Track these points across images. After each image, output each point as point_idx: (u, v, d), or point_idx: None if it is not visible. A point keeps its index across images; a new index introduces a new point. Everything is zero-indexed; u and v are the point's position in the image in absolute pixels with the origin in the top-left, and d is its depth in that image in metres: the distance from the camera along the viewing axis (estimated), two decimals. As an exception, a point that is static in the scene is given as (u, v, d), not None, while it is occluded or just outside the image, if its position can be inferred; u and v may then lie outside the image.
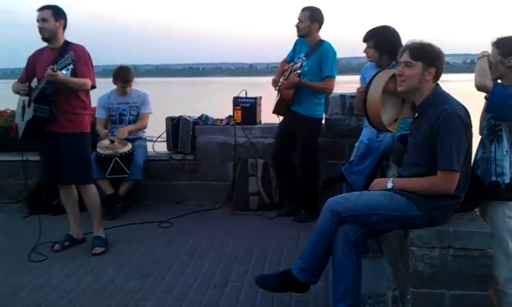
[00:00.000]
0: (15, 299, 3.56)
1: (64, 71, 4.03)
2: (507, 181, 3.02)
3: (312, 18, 5.03)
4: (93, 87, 4.41)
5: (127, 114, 5.80)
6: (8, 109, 6.39)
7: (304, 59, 5.07)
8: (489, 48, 3.12)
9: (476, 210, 3.12)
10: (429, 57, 2.83)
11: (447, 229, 2.74)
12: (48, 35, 4.27)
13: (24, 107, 4.40)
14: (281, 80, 5.18)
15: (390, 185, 2.90)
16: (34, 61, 4.39)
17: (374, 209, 2.83)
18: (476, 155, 3.16)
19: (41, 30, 4.26)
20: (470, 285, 2.73)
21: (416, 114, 2.92)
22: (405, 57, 2.87)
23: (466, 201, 2.86)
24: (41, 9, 4.28)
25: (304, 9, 5.06)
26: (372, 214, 2.83)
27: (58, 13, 4.30)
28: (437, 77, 2.85)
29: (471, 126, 2.80)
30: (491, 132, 3.10)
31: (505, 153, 3.03)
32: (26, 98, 4.34)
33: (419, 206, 2.77)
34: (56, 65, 4.02)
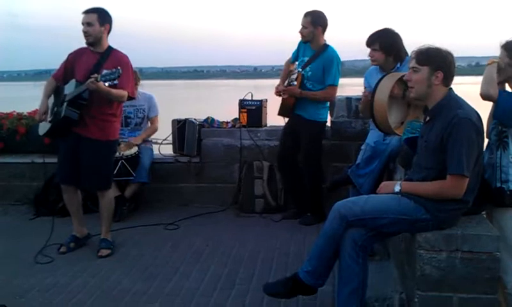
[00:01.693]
0: (22, 300, 3.57)
1: (107, 83, 4.01)
2: None
3: (314, 23, 4.98)
4: (131, 98, 4.42)
5: (134, 117, 5.81)
6: (14, 111, 6.40)
7: (301, 70, 5.05)
8: (495, 52, 3.12)
9: (483, 212, 3.11)
10: (434, 62, 2.80)
11: (454, 233, 2.74)
12: (92, 40, 4.22)
13: (54, 105, 4.36)
14: (284, 83, 5.19)
15: (397, 188, 2.89)
16: (74, 61, 4.34)
17: (381, 213, 2.83)
18: (483, 159, 3.14)
19: (85, 34, 4.20)
20: (477, 288, 2.72)
21: (428, 118, 2.91)
22: (412, 62, 2.87)
23: (473, 204, 2.86)
24: (87, 12, 4.20)
25: (306, 15, 5.01)
26: (379, 218, 2.83)
27: (104, 17, 4.24)
28: (447, 80, 2.83)
29: (483, 132, 2.79)
30: (498, 138, 3.09)
31: (510, 159, 3.02)
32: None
33: (427, 209, 2.76)
34: (100, 76, 3.99)
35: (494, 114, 3.11)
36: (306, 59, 5.11)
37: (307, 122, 5.10)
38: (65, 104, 4.17)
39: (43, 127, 4.49)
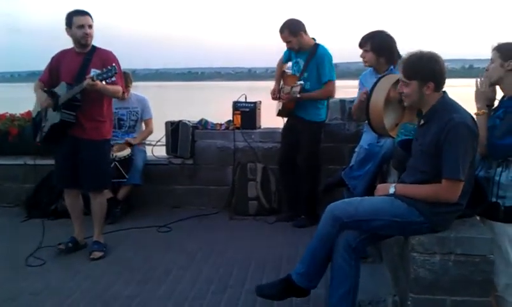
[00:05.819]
0: (13, 303, 3.53)
1: (104, 82, 4.05)
2: (508, 204, 2.97)
3: (294, 33, 4.98)
4: (122, 93, 4.45)
5: (127, 119, 5.78)
6: (6, 113, 6.36)
7: (302, 82, 4.99)
8: (488, 55, 3.11)
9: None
10: (421, 75, 2.77)
11: (448, 235, 2.73)
12: (90, 42, 4.26)
13: (46, 109, 4.33)
14: (281, 93, 5.15)
15: (392, 190, 2.88)
16: (58, 63, 4.34)
17: (375, 215, 2.82)
18: (477, 168, 3.10)
19: (86, 36, 4.21)
20: (471, 291, 2.72)
21: (423, 121, 2.90)
22: (401, 75, 2.87)
23: (467, 207, 2.85)
24: (86, 14, 4.23)
25: (282, 31, 5.01)
26: (373, 219, 2.82)
27: (92, 20, 4.29)
28: (438, 87, 2.80)
29: (478, 136, 2.78)
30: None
31: (510, 179, 2.98)
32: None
33: (421, 212, 2.75)
34: (96, 75, 4.00)
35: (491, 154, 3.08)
36: (301, 61, 5.10)
37: (307, 123, 5.11)
38: (60, 109, 4.15)
39: (40, 131, 4.44)
